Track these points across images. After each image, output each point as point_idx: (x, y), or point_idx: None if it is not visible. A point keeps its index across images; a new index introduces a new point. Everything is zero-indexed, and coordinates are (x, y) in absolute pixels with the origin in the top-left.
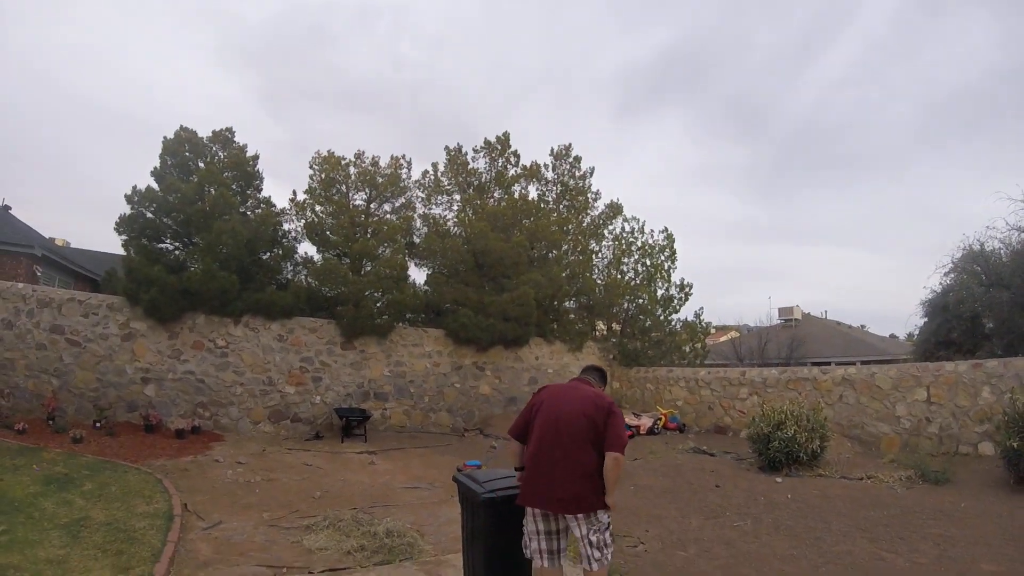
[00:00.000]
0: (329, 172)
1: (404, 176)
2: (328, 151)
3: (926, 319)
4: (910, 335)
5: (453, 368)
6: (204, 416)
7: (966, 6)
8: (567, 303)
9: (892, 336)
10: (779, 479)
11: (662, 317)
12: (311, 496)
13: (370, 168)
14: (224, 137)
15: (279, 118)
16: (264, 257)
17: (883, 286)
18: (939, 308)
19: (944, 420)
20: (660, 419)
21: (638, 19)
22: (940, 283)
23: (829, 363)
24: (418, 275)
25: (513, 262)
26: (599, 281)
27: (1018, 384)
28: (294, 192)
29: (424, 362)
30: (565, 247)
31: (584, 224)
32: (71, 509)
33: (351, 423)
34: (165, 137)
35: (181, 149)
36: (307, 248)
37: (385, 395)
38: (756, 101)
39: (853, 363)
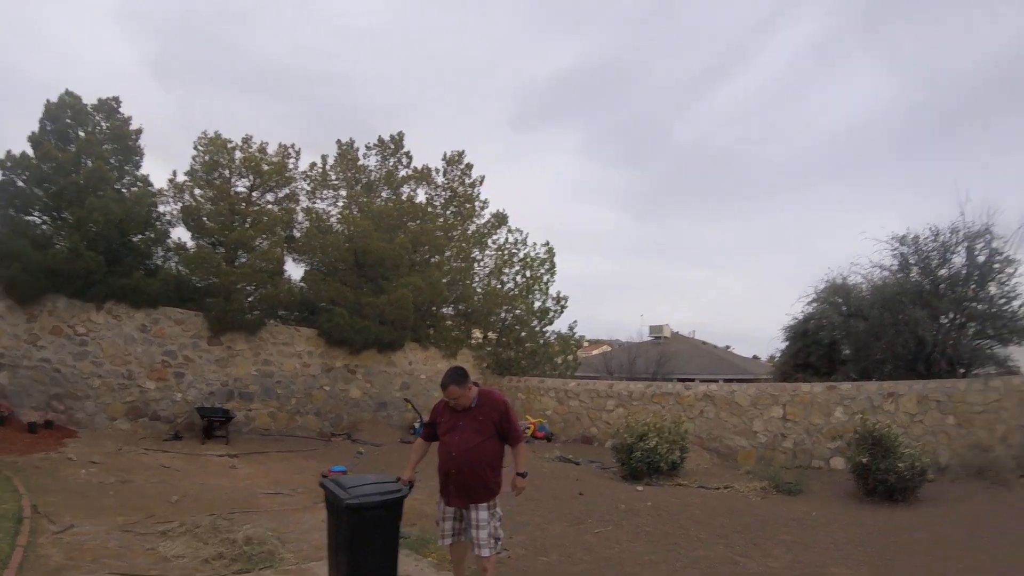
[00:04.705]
0: (214, 155)
1: (291, 166)
2: (215, 132)
3: (787, 343)
4: (772, 357)
5: (323, 370)
6: (59, 409)
7: (856, 60)
8: (445, 309)
9: (755, 357)
10: (640, 487)
11: (537, 328)
12: (168, 500)
13: (257, 155)
14: (109, 107)
15: (171, 91)
16: (135, 240)
17: (749, 310)
18: (800, 334)
19: (798, 436)
20: (529, 428)
21: (544, 37)
22: (802, 311)
23: (694, 380)
24: (295, 271)
25: (394, 264)
26: (479, 289)
27: (869, 406)
28: (174, 172)
29: (294, 362)
30: (448, 253)
31: (469, 232)
32: None
33: (213, 424)
34: (48, 100)
35: (63, 115)
36: (181, 234)
37: (251, 395)
38: (647, 127)
39: (716, 380)
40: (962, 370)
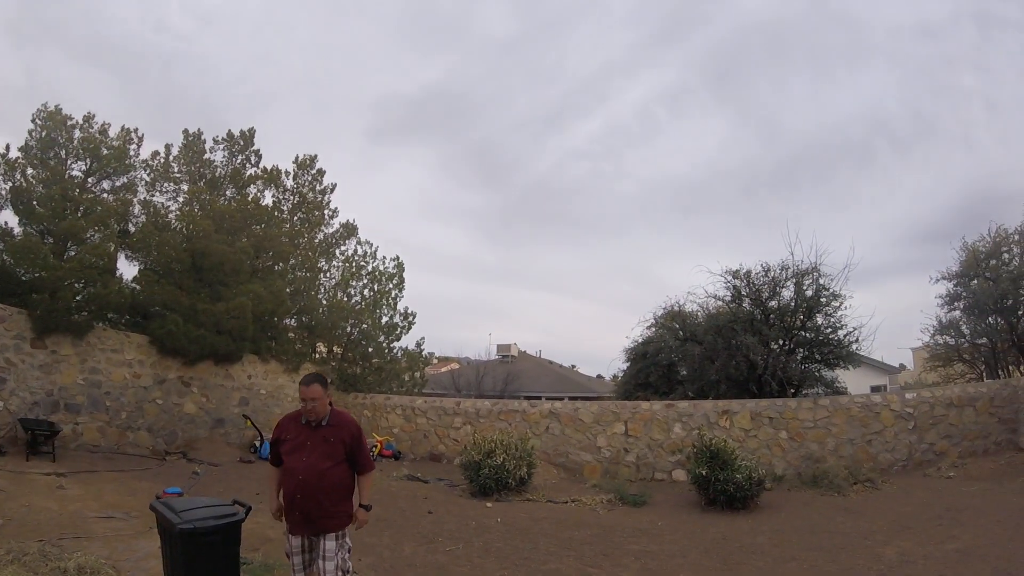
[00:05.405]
0: (51, 131)
1: (132, 153)
2: (55, 106)
3: (628, 364)
4: (614, 376)
5: (156, 381)
6: None
7: (704, 114)
8: (288, 321)
9: (599, 376)
10: (489, 504)
11: (385, 344)
12: None
13: (97, 136)
14: None
15: (21, 55)
16: None
17: (594, 333)
18: (640, 355)
19: (641, 451)
20: (376, 446)
21: (411, 52)
22: (642, 335)
23: (540, 397)
24: (128, 270)
25: (234, 269)
26: (324, 301)
27: (706, 422)
28: (7, 147)
29: (123, 371)
30: (293, 261)
31: (317, 241)
32: None
33: (37, 437)
34: None
35: None
36: (9, 218)
37: (78, 407)
38: (502, 153)
39: (562, 398)
40: (792, 390)
